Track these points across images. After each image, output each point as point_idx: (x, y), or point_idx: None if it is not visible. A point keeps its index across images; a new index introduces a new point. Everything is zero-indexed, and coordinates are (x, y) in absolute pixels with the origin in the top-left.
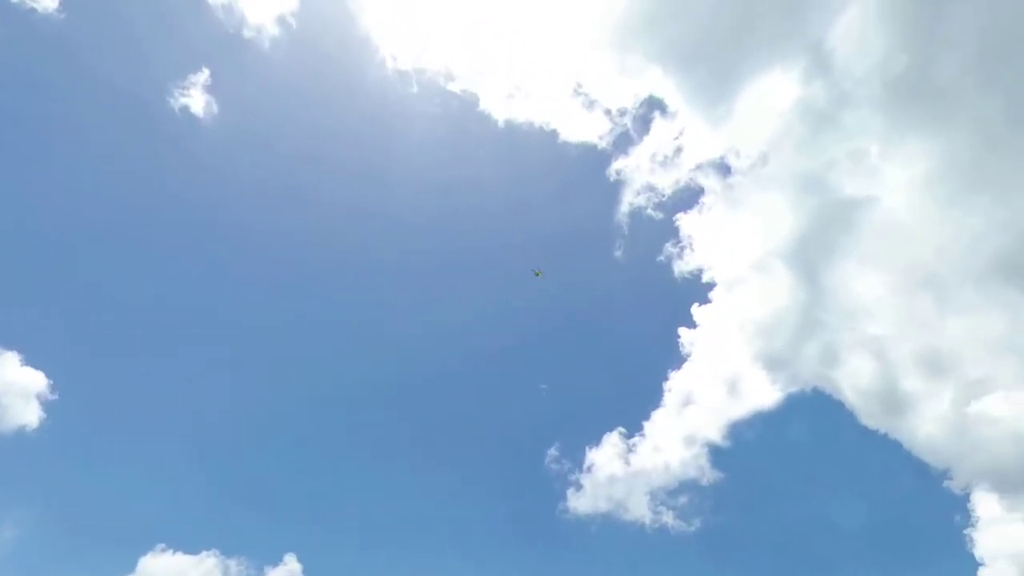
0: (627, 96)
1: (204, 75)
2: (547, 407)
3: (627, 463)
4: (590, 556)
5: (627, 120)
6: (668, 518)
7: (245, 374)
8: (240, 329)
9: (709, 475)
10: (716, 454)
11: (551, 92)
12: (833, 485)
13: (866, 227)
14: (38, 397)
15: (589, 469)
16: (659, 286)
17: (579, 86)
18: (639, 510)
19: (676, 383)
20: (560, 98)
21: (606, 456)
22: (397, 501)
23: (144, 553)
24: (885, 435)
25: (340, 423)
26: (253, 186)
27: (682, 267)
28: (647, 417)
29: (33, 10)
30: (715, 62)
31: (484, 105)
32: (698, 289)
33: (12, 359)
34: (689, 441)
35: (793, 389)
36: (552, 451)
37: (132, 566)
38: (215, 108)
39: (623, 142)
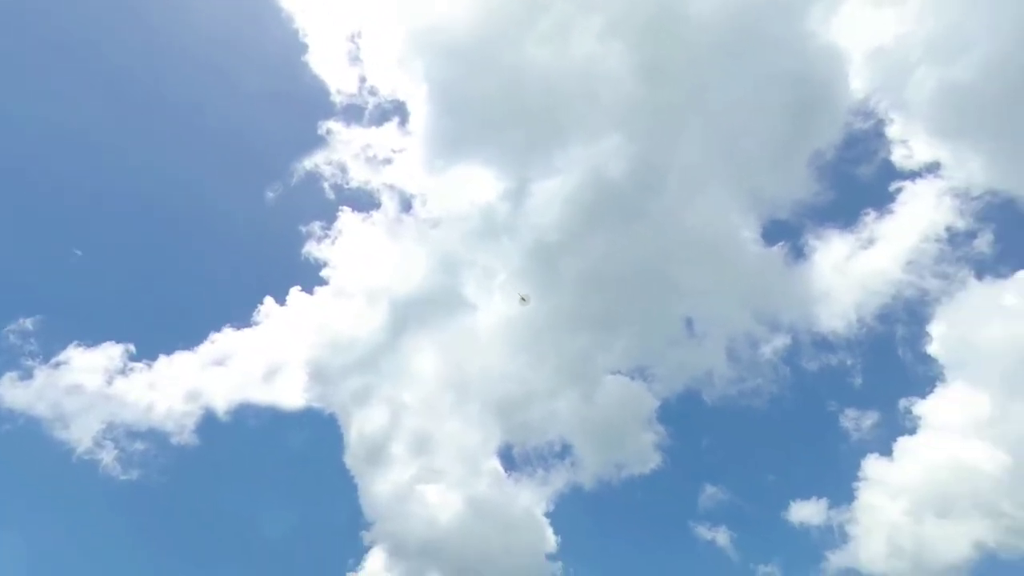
0: None
1: None
2: None
3: (109, 383)
4: None
5: None
6: (108, 456)
7: None
8: None
9: (187, 438)
10: (210, 423)
11: None
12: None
13: None
14: None
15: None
16: None
17: None
18: (83, 431)
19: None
20: None
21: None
22: None
23: None
24: None
25: None
26: None
27: None
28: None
29: None
30: None
31: None
32: None
33: None
34: (193, 397)
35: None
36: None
37: None
38: None
39: None
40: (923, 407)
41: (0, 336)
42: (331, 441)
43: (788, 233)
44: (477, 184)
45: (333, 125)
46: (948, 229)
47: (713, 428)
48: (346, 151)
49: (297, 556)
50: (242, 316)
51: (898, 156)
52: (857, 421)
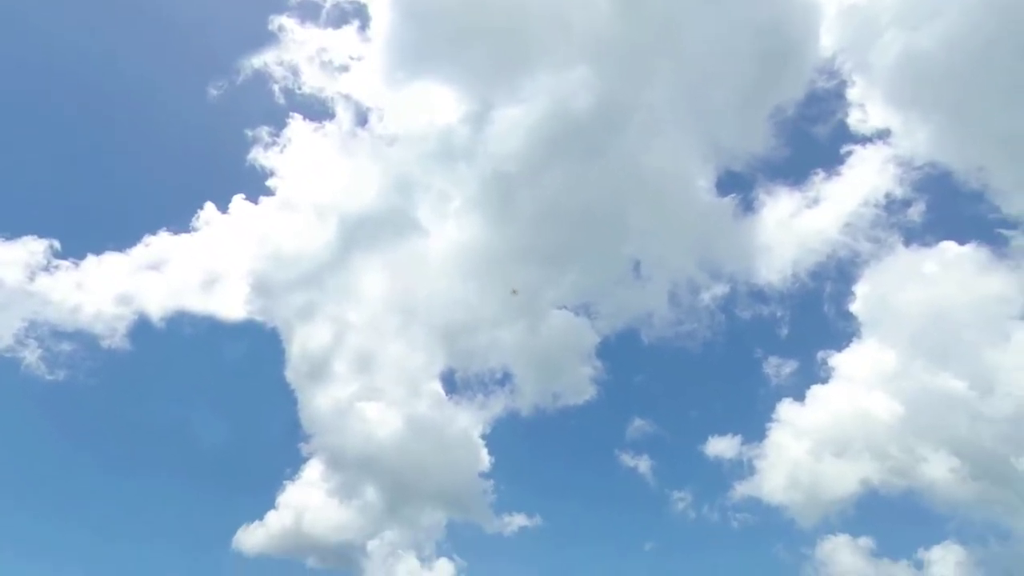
0: None
1: None
2: None
3: (31, 279)
4: None
5: None
6: (32, 355)
7: None
8: None
9: (118, 342)
10: (143, 328)
11: None
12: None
13: None
14: None
15: None
16: None
17: None
18: (2, 327)
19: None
20: None
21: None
22: None
23: None
24: None
25: None
26: None
27: None
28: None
29: None
30: None
31: None
32: None
33: None
34: (125, 300)
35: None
36: None
37: None
38: None
39: None
40: (838, 359)
41: None
42: (272, 355)
43: (740, 186)
44: (438, 103)
45: (286, 21)
46: (887, 196)
47: (647, 366)
48: (299, 52)
49: (233, 464)
50: (180, 221)
51: (854, 120)
52: (778, 368)
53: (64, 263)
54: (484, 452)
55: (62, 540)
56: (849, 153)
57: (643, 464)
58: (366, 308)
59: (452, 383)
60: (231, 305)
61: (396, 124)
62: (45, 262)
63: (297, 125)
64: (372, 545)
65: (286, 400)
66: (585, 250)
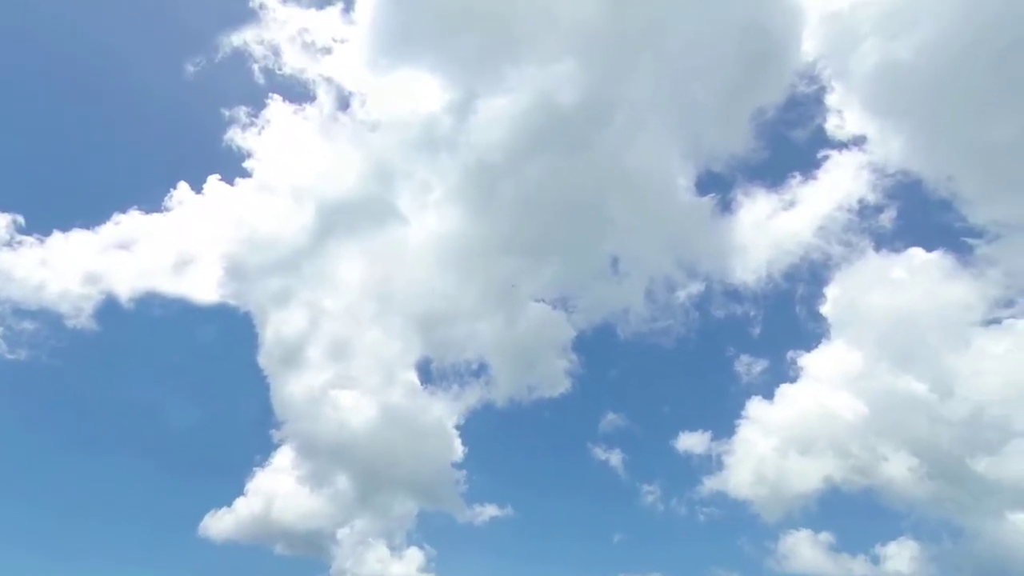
0: None
1: None
2: None
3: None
4: None
5: None
6: None
7: None
8: None
9: (84, 322)
10: (111, 309)
11: None
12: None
13: None
14: None
15: None
16: None
17: None
18: None
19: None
20: None
21: None
22: None
23: None
24: None
25: None
26: None
27: None
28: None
29: None
30: None
31: None
32: None
33: None
34: (92, 279)
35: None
36: None
37: None
38: None
39: None
40: (807, 359)
41: None
42: (245, 339)
43: (720, 186)
44: (422, 91)
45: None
46: (860, 201)
47: (622, 361)
48: (280, 32)
49: (201, 449)
50: (152, 200)
51: (831, 125)
52: (749, 367)
53: (28, 239)
54: (458, 442)
55: (23, 522)
56: (826, 158)
57: (615, 457)
58: (343, 295)
59: (428, 373)
60: (203, 288)
61: (379, 110)
62: (8, 237)
63: (277, 106)
64: (342, 533)
65: (258, 386)
66: (565, 244)
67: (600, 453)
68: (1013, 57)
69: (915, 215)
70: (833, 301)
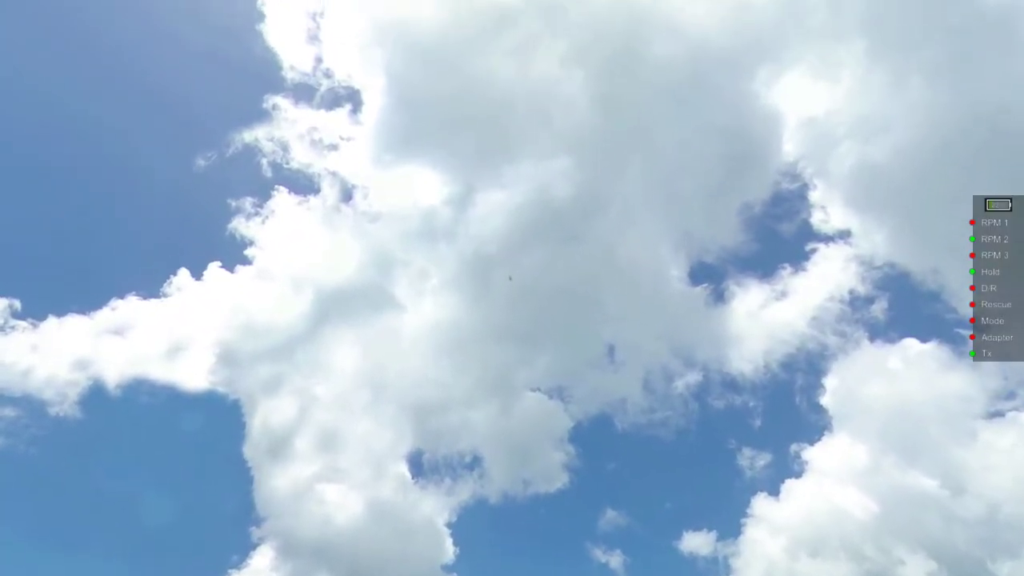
0: None
1: None
2: None
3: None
4: None
5: None
6: None
7: None
8: None
9: (68, 409)
10: (97, 396)
11: None
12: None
13: None
14: None
15: None
16: None
17: None
18: None
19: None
20: None
21: None
22: None
23: None
24: None
25: None
26: None
27: None
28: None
29: None
30: None
31: None
32: None
33: None
34: (81, 365)
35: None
36: None
37: None
38: None
39: None
40: (811, 453)
41: None
42: (232, 429)
43: (712, 276)
44: (422, 185)
45: (281, 101)
46: (851, 292)
47: (620, 454)
48: (291, 130)
49: (176, 548)
50: (151, 285)
51: (816, 220)
52: (752, 460)
53: (22, 323)
54: (449, 542)
55: None
56: (813, 250)
57: (615, 559)
58: (335, 383)
59: (419, 465)
60: (194, 375)
61: (380, 202)
62: (1, 322)
63: (282, 198)
64: None
65: (241, 479)
66: (560, 333)
67: (600, 554)
68: (985, 156)
69: (906, 306)
70: (832, 392)
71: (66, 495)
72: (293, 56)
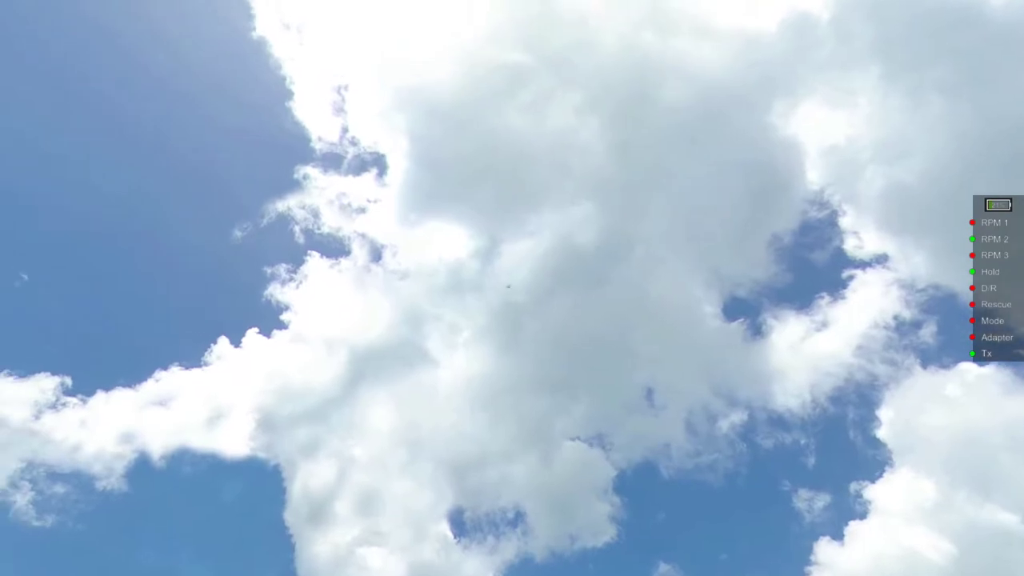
0: None
1: None
2: None
3: (36, 417)
4: None
5: None
6: (23, 499)
7: None
8: None
9: (115, 483)
10: (142, 468)
11: None
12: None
13: None
14: None
15: None
16: None
17: None
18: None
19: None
20: None
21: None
22: None
23: None
24: None
25: None
26: None
27: None
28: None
29: None
30: None
31: None
32: None
33: None
34: (127, 438)
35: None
36: None
37: None
38: None
39: None
40: (873, 491)
41: None
42: (272, 494)
43: (747, 310)
44: (449, 240)
45: (311, 171)
46: (896, 318)
47: (669, 502)
48: (321, 197)
49: None
50: (192, 355)
51: (850, 246)
52: (810, 502)
53: (72, 400)
54: None
55: None
56: (851, 277)
57: None
58: (372, 443)
59: (461, 524)
60: (235, 441)
61: (408, 259)
62: (54, 399)
63: (314, 262)
64: None
65: (283, 545)
66: (596, 379)
67: None
68: (1013, 168)
69: (956, 328)
70: (889, 424)
71: (113, 571)
72: (321, 128)
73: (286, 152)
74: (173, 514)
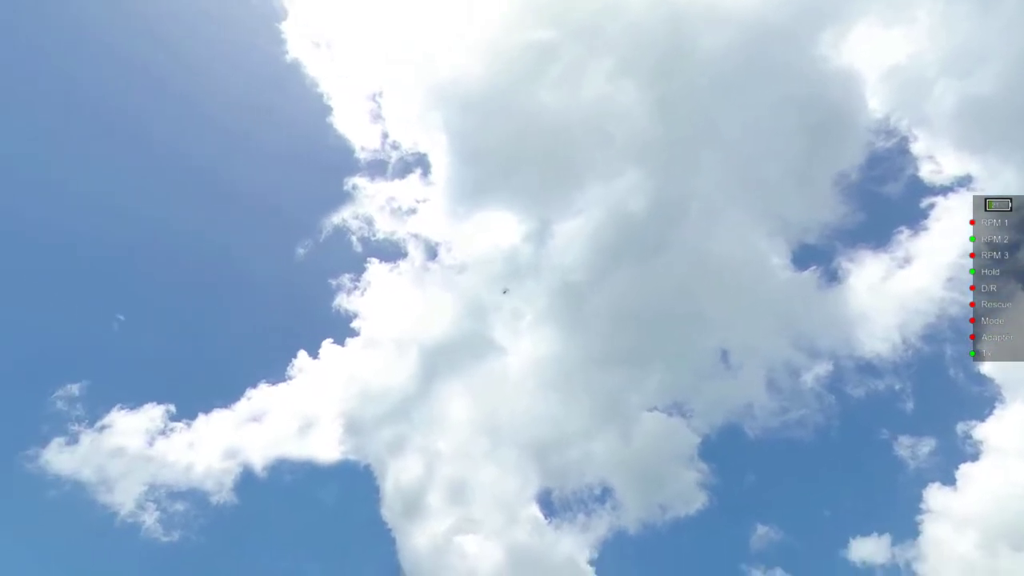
0: None
1: None
2: None
3: (150, 444)
4: None
5: None
6: (150, 518)
7: None
8: None
9: (226, 496)
10: (248, 480)
11: None
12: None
13: None
14: None
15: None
16: None
17: None
18: (125, 494)
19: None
20: None
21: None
22: None
23: None
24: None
25: None
26: None
27: None
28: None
29: None
30: None
31: None
32: None
33: None
34: (231, 454)
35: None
36: None
37: None
38: None
39: None
40: (984, 430)
41: (48, 402)
42: (367, 494)
43: (819, 257)
44: (500, 228)
45: (358, 180)
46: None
47: (759, 463)
48: (371, 204)
49: None
50: (277, 371)
51: (926, 172)
52: (913, 449)
53: (178, 424)
54: None
55: None
56: (931, 206)
57: None
58: (454, 434)
59: (550, 504)
60: (326, 447)
61: (463, 253)
62: (163, 426)
63: (375, 268)
64: None
65: (384, 540)
66: (667, 347)
67: (759, 575)
68: None
69: None
70: None
71: None
72: (362, 137)
73: (333, 166)
74: (281, 520)
